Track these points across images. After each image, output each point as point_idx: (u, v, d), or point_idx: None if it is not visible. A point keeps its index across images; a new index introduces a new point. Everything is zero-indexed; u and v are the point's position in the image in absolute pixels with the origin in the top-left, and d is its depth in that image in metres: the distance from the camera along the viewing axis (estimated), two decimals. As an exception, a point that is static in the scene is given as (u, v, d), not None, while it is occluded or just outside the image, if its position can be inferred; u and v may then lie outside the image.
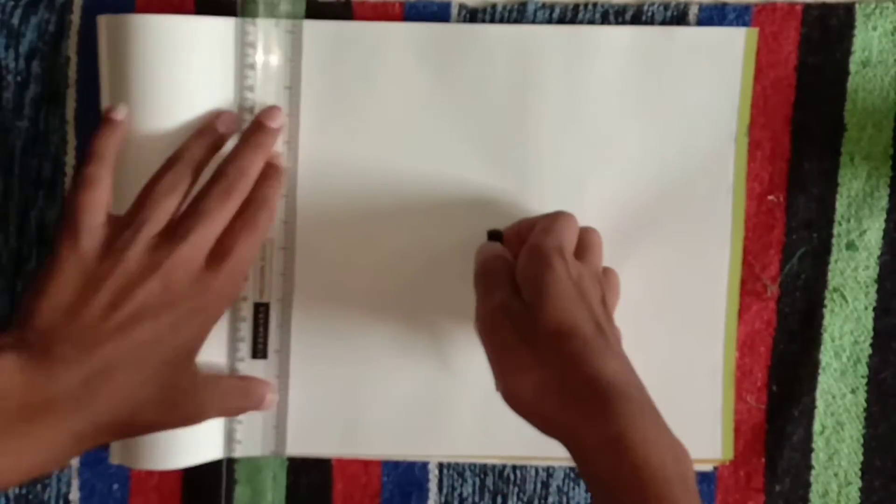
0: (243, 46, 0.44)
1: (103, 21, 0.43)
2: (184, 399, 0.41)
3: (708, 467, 0.47)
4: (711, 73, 0.45)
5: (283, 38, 0.44)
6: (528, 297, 0.39)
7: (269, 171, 0.43)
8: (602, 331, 0.38)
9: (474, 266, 0.42)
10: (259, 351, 0.45)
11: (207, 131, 0.43)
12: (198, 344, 0.41)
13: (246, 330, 0.45)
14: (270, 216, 0.43)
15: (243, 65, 0.44)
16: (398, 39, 0.45)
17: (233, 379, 0.45)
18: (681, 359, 0.46)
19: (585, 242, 0.43)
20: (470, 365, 0.46)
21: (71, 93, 0.46)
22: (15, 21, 0.45)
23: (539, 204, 0.45)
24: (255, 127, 0.43)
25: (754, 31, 0.45)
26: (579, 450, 0.36)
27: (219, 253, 0.40)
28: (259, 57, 0.44)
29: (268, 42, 0.44)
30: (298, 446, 0.46)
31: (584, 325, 0.38)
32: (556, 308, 0.38)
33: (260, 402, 0.44)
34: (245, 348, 0.45)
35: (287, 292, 0.45)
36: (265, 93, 0.44)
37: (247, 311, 0.45)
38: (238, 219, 0.41)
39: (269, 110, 0.44)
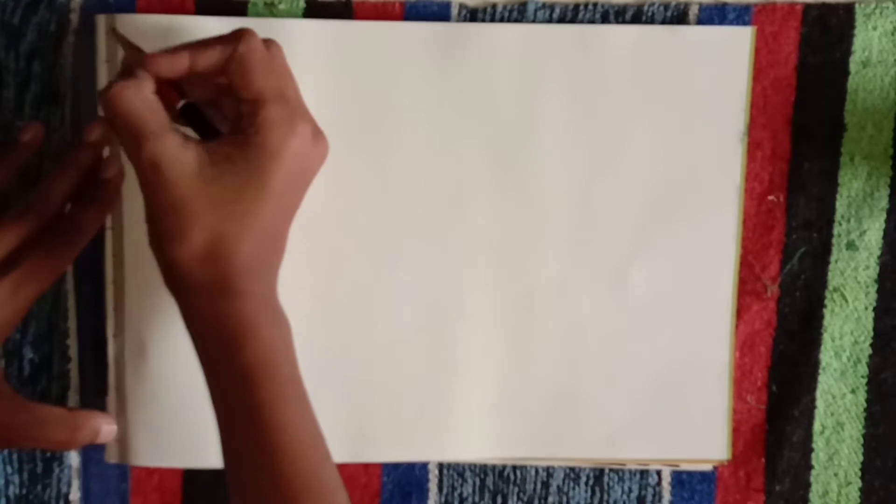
0: None
1: (102, 21, 0.43)
2: None
3: (708, 467, 0.47)
4: (718, 72, 0.45)
5: None
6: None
7: (93, 195, 0.43)
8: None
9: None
10: None
11: (8, 146, 0.43)
12: None
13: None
14: (72, 241, 0.42)
15: None
16: (399, 39, 0.44)
17: (55, 409, 0.43)
18: (687, 358, 0.46)
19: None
20: (471, 367, 0.46)
21: (71, 93, 0.46)
22: (15, 21, 0.45)
23: (543, 202, 0.45)
24: (72, 143, 0.44)
25: (754, 29, 0.45)
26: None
27: (3, 267, 0.40)
28: None
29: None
30: None
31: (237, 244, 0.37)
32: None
33: (93, 436, 0.44)
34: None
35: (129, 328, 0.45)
36: None
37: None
38: (37, 239, 0.41)
39: (90, 125, 0.42)
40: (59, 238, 0.41)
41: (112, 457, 0.46)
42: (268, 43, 0.39)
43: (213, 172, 0.37)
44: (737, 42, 0.45)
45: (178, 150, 0.37)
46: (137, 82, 0.37)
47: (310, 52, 0.44)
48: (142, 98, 0.37)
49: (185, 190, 0.36)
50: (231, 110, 0.39)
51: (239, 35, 0.38)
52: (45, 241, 0.41)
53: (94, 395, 0.46)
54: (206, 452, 0.45)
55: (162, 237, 0.37)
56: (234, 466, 0.37)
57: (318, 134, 0.40)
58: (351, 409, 0.46)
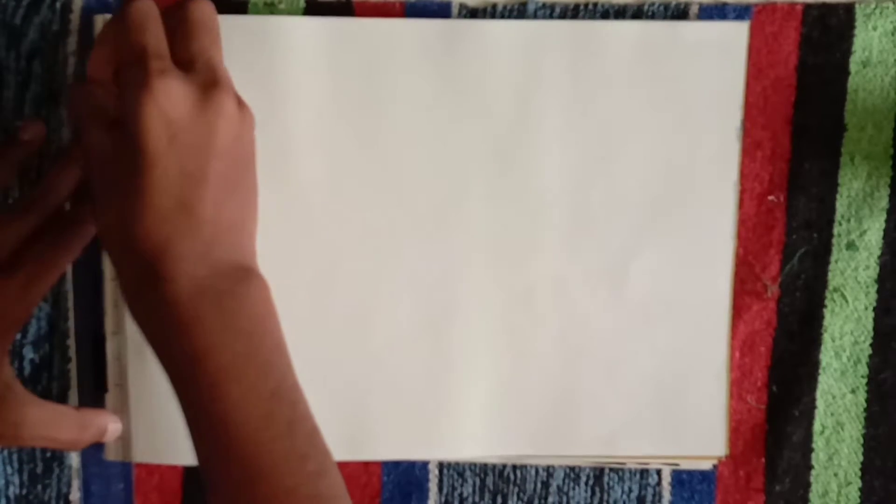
0: None
1: (99, 21, 0.43)
2: None
3: (707, 466, 0.47)
4: (716, 68, 0.45)
5: None
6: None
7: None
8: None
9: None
10: None
11: (9, 143, 0.43)
12: None
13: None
14: (77, 234, 0.42)
15: None
16: (398, 36, 0.44)
17: (64, 407, 0.43)
18: (686, 355, 0.46)
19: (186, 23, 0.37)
20: (469, 366, 0.46)
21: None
22: (17, 21, 0.45)
23: (542, 200, 0.45)
24: (74, 140, 0.44)
25: (747, 24, 0.45)
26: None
27: (13, 262, 0.40)
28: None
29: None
30: None
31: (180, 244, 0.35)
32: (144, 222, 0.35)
33: (100, 434, 0.44)
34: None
35: None
36: None
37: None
38: (42, 234, 0.41)
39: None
40: (64, 232, 0.41)
41: (111, 454, 0.46)
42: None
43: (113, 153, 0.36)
44: (733, 37, 0.45)
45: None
46: None
47: (309, 50, 0.44)
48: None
49: (94, 170, 0.37)
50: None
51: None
52: (50, 237, 0.41)
53: (94, 394, 0.46)
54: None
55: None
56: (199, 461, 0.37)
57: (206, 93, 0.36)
58: (349, 407, 0.46)
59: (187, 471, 0.47)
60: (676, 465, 0.47)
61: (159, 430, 0.43)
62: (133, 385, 0.45)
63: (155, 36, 0.35)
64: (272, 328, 0.37)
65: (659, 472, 0.48)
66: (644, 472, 0.48)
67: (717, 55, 0.45)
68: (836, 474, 0.48)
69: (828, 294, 0.47)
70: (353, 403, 0.46)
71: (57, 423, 0.42)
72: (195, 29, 0.36)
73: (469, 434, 0.46)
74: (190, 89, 0.35)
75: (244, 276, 0.36)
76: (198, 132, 0.35)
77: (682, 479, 0.48)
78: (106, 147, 0.36)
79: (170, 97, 0.34)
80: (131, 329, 0.44)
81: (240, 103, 0.37)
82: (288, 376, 0.37)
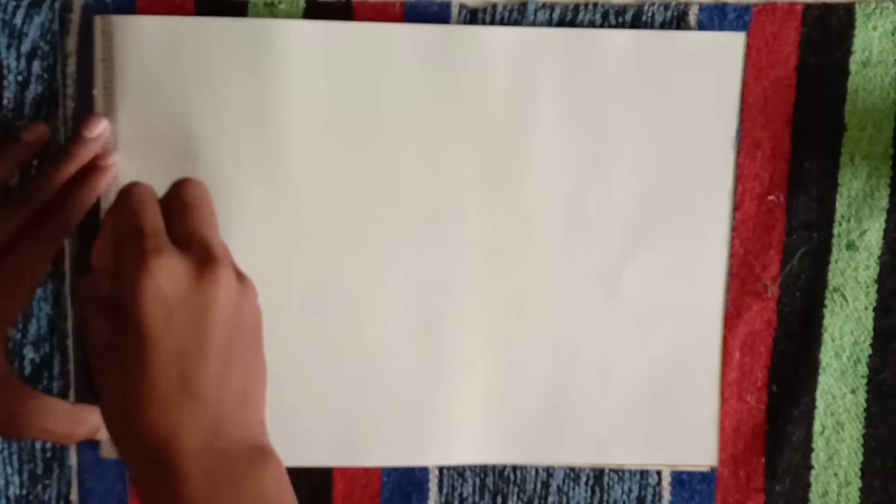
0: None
1: (98, 22, 0.43)
2: None
3: (706, 468, 0.48)
4: (711, 77, 0.45)
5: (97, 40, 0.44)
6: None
7: (85, 177, 0.43)
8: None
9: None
10: None
11: (11, 142, 0.43)
12: None
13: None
14: (59, 226, 0.42)
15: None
16: (396, 41, 0.44)
17: (61, 402, 0.43)
18: (679, 363, 0.47)
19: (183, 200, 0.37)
20: (463, 372, 0.46)
21: (71, 93, 0.46)
22: (17, 21, 0.45)
23: (536, 206, 0.45)
24: (71, 138, 0.44)
25: (744, 34, 0.45)
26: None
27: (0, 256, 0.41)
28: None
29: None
30: (294, 458, 0.46)
31: (184, 433, 0.34)
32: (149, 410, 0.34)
33: (94, 431, 0.44)
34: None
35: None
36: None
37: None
38: (27, 227, 0.41)
39: (88, 119, 0.43)
40: (49, 226, 0.42)
41: (108, 452, 0.46)
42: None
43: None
44: (730, 47, 0.45)
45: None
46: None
47: (307, 54, 0.44)
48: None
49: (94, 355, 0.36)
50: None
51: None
52: (36, 231, 0.41)
53: (93, 394, 0.46)
54: None
55: None
56: None
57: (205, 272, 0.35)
58: (344, 413, 0.46)
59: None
60: (676, 465, 0.47)
61: None
62: None
63: (151, 216, 0.36)
64: None
65: (659, 472, 0.48)
66: (644, 473, 0.48)
67: (713, 65, 0.45)
68: (836, 474, 0.48)
69: (828, 294, 0.47)
70: (348, 410, 0.46)
71: (52, 415, 0.42)
72: (189, 208, 0.36)
73: (463, 440, 0.46)
74: (186, 266, 0.34)
75: (257, 459, 0.36)
76: (195, 307, 0.34)
77: (682, 479, 0.48)
78: (106, 333, 0.36)
79: (166, 274, 0.34)
80: None
81: (239, 275, 0.36)
82: None
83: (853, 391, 0.47)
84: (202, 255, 0.35)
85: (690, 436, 0.47)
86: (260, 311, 0.37)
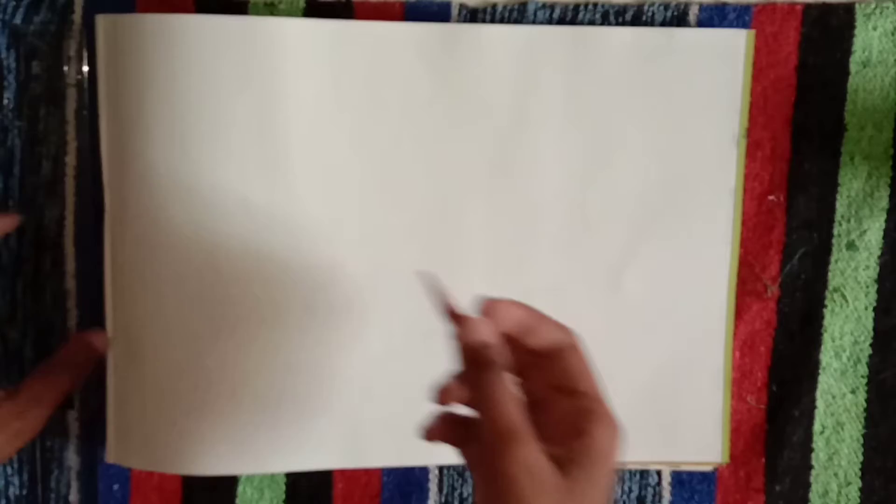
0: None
1: (101, 21, 0.43)
2: None
3: (707, 467, 0.48)
4: (713, 75, 0.45)
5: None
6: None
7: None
8: None
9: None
10: None
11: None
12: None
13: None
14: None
15: None
16: (396, 39, 0.44)
17: (33, 382, 0.44)
18: (683, 361, 0.46)
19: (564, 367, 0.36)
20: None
21: (71, 93, 0.46)
22: (17, 21, 0.45)
23: (539, 205, 0.45)
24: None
25: (752, 32, 0.45)
26: None
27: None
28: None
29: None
30: (293, 462, 0.46)
31: None
32: None
33: (92, 353, 0.45)
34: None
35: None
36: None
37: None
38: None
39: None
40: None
41: (111, 457, 0.46)
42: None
43: (566, 483, 0.32)
44: (733, 45, 0.45)
45: (542, 459, 0.32)
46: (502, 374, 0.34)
47: (308, 52, 0.44)
48: (510, 390, 0.34)
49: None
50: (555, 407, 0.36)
51: (564, 326, 0.36)
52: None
53: (94, 394, 0.46)
54: (202, 460, 0.45)
55: None
56: None
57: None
58: (345, 414, 0.46)
59: (187, 471, 0.47)
60: (677, 465, 0.47)
61: (156, 439, 0.43)
62: (130, 392, 0.45)
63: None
64: None
65: (659, 472, 0.48)
66: (644, 473, 0.48)
67: (716, 62, 0.45)
68: (836, 474, 0.48)
69: (828, 294, 0.47)
70: (350, 411, 0.46)
71: (42, 399, 0.43)
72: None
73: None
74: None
75: None
76: None
77: (682, 479, 0.48)
78: (548, 470, 0.32)
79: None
80: (132, 334, 0.44)
81: None
82: None
83: (853, 391, 0.47)
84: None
85: (696, 433, 0.47)
86: None
